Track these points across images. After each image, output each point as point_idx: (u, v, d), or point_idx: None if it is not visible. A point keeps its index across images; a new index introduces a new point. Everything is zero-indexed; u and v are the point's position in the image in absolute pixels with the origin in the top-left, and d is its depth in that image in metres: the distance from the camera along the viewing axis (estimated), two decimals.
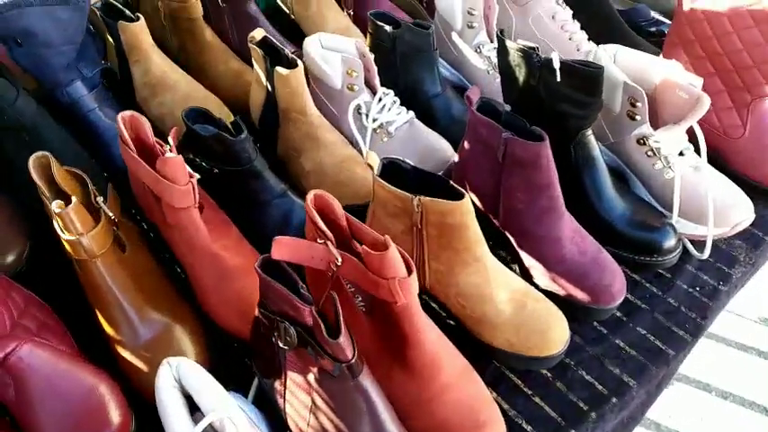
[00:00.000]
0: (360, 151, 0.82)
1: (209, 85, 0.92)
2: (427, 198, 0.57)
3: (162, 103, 0.86)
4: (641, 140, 0.73)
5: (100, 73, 0.83)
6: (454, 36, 0.91)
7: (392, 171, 0.61)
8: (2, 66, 0.75)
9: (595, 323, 0.68)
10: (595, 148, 0.70)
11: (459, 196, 0.57)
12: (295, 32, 1.06)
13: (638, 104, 0.70)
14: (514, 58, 0.69)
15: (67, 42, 0.75)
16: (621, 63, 0.73)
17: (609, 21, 1.00)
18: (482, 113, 0.65)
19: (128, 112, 0.65)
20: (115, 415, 0.57)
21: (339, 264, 0.55)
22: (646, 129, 0.71)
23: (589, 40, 0.93)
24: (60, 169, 0.63)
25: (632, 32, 0.99)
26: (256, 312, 0.57)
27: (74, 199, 0.57)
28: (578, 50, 0.91)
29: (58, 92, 0.78)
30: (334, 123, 0.85)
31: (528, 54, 0.66)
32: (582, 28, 0.94)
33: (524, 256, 0.67)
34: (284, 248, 0.54)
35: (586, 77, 0.63)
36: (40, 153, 0.62)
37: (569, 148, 0.69)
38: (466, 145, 0.69)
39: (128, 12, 0.84)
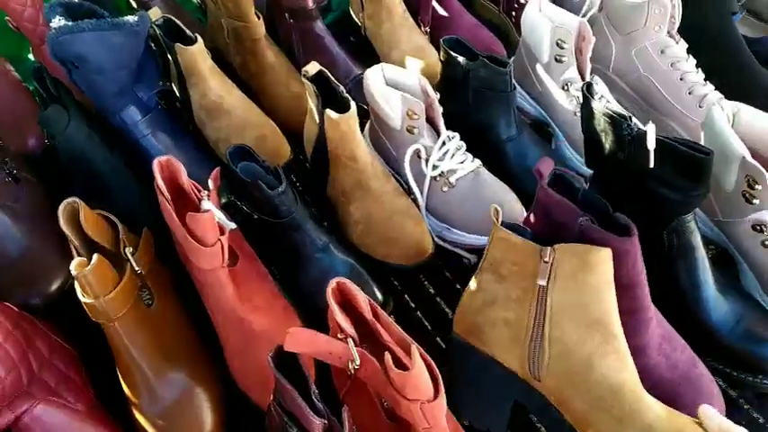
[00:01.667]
0: (415, 201, 0.74)
1: (269, 107, 0.87)
2: (563, 245, 0.48)
3: (218, 128, 0.82)
4: (758, 227, 0.59)
5: (157, 94, 0.80)
6: (539, 69, 0.79)
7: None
8: (61, 89, 0.74)
9: None
10: (695, 235, 0.57)
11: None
12: (368, 48, 0.99)
13: (758, 187, 0.56)
14: (600, 122, 0.57)
15: (121, 67, 0.73)
16: (743, 127, 0.59)
17: (735, 54, 0.83)
18: (554, 188, 0.54)
19: (164, 157, 0.61)
20: None
21: (357, 366, 0.48)
22: (765, 215, 0.57)
23: (706, 80, 0.77)
24: (91, 215, 0.60)
25: (765, 71, 0.82)
26: (271, 399, 0.52)
27: (94, 259, 0.53)
28: (690, 94, 0.76)
29: (110, 117, 0.76)
30: (392, 164, 0.77)
31: (617, 123, 0.54)
32: (699, 62, 0.79)
33: None
34: (299, 341, 0.48)
35: (690, 163, 0.51)
36: (70, 199, 0.59)
37: (662, 234, 0.57)
38: (532, 219, 0.59)
39: (188, 31, 0.80)
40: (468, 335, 0.56)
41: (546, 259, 0.49)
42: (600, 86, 0.65)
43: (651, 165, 0.51)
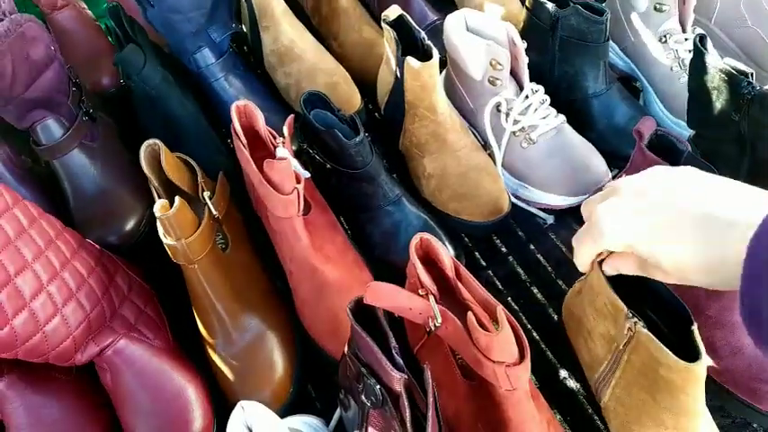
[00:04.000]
0: (492, 156, 0.70)
1: (340, 54, 0.84)
2: (645, 331, 0.44)
3: (288, 73, 0.80)
4: None
5: (230, 37, 0.78)
6: (634, 18, 0.73)
7: None
8: (137, 29, 0.74)
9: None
10: None
11: (694, 353, 0.43)
12: None
13: None
14: (714, 78, 0.52)
15: (196, 8, 0.71)
16: None
17: None
18: (654, 151, 0.50)
19: (242, 102, 0.60)
20: (198, 421, 0.57)
21: (438, 324, 0.47)
22: None
23: None
24: (171, 158, 0.60)
25: None
26: (346, 350, 0.52)
27: (177, 202, 0.53)
28: None
29: (185, 58, 0.75)
30: (469, 118, 0.74)
31: (735, 80, 0.49)
32: None
33: None
34: (380, 295, 0.47)
35: None
36: (151, 141, 0.59)
37: None
38: None
39: None
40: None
41: (626, 331, 0.46)
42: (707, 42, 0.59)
43: None
